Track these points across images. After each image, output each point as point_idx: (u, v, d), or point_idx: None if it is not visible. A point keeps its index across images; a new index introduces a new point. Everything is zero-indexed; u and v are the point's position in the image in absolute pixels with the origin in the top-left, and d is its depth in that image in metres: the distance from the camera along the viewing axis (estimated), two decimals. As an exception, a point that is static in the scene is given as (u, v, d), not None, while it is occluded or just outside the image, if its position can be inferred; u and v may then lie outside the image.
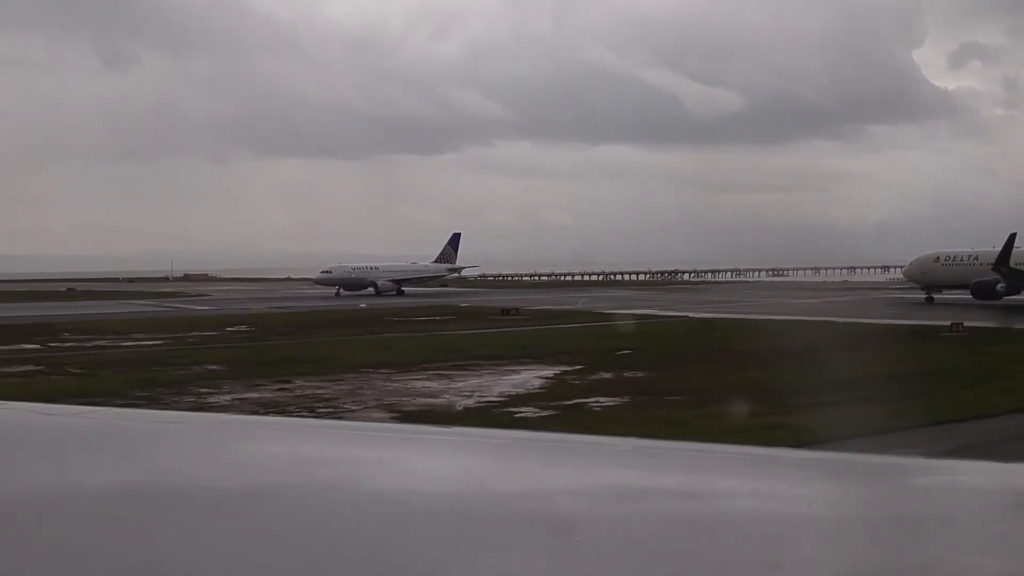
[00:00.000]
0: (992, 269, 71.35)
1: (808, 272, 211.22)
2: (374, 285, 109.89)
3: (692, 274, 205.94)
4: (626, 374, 40.46)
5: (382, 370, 41.46)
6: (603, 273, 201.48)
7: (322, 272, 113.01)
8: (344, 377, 39.05)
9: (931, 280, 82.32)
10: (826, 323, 61.62)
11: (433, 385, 37.11)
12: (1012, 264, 72.29)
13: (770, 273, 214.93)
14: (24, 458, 3.48)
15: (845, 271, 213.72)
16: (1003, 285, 72.93)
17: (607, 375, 40.16)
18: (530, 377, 39.42)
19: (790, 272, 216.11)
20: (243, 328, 65.79)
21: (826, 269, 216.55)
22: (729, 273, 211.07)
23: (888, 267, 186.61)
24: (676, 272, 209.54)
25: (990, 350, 44.61)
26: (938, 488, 2.84)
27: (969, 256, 78.26)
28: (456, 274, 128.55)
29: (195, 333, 61.58)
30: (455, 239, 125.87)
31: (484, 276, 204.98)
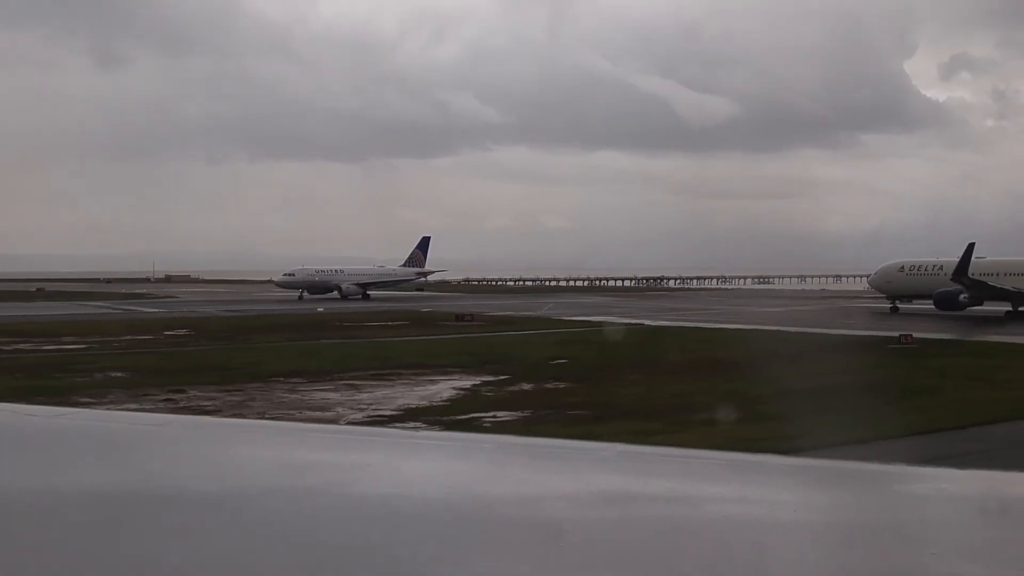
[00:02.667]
0: (951, 279, 69.50)
1: (794, 280, 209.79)
2: (338, 288, 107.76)
3: (678, 280, 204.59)
4: (547, 385, 38.89)
5: (292, 379, 39.76)
6: (589, 279, 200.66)
7: (284, 275, 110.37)
8: (245, 387, 37.28)
9: (895, 289, 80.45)
10: (776, 332, 59.94)
11: (333, 397, 35.37)
12: (974, 274, 70.54)
13: (755, 280, 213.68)
14: (2, 459, 3.44)
15: (831, 279, 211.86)
16: (966, 296, 71.04)
17: (527, 386, 38.55)
18: (444, 388, 37.72)
19: (775, 280, 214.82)
20: (181, 332, 64.05)
21: (812, 277, 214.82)
22: (715, 280, 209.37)
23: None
24: (662, 278, 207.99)
25: (931, 363, 42.87)
26: (922, 495, 2.84)
27: (934, 266, 76.27)
28: (424, 278, 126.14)
29: (127, 337, 59.71)
30: (424, 243, 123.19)
31: (468, 280, 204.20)
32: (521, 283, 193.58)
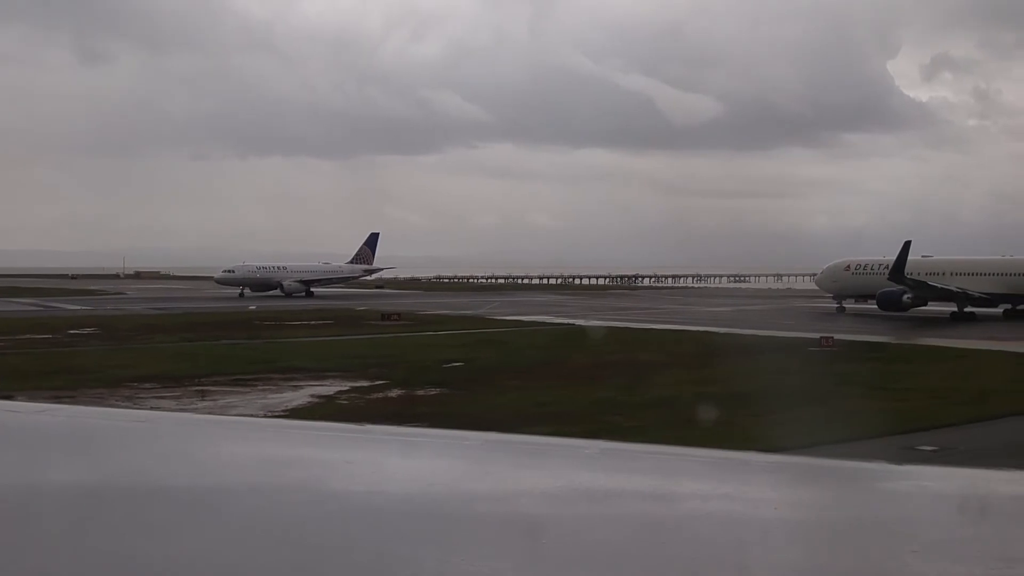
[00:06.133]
0: (888, 278, 66.56)
1: (771, 278, 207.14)
2: (280, 286, 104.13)
3: (652, 279, 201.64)
4: (418, 392, 36.34)
5: (146, 384, 37.20)
6: (563, 276, 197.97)
7: (224, 271, 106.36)
8: (84, 394, 34.52)
9: (841, 289, 77.51)
10: (702, 334, 57.33)
11: (169, 405, 32.65)
12: (919, 274, 67.91)
13: (731, 279, 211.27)
14: None
15: (809, 278, 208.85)
16: (909, 296, 68.22)
17: (395, 393, 36.05)
18: (300, 396, 35.09)
19: (751, 278, 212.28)
20: (85, 331, 61.25)
21: (789, 276, 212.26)
22: (691, 279, 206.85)
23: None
24: (636, 277, 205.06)
25: (839, 369, 40.16)
26: (902, 492, 2.85)
27: (880, 265, 72.95)
28: (369, 275, 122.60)
29: (22, 336, 56.85)
30: (373, 239, 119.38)
31: (440, 278, 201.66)
32: (493, 280, 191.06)
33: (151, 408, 32.21)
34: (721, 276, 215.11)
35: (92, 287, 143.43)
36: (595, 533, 2.45)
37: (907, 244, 64.08)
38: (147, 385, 37.03)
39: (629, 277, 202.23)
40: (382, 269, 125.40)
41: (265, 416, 24.82)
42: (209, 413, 26.83)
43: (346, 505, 2.73)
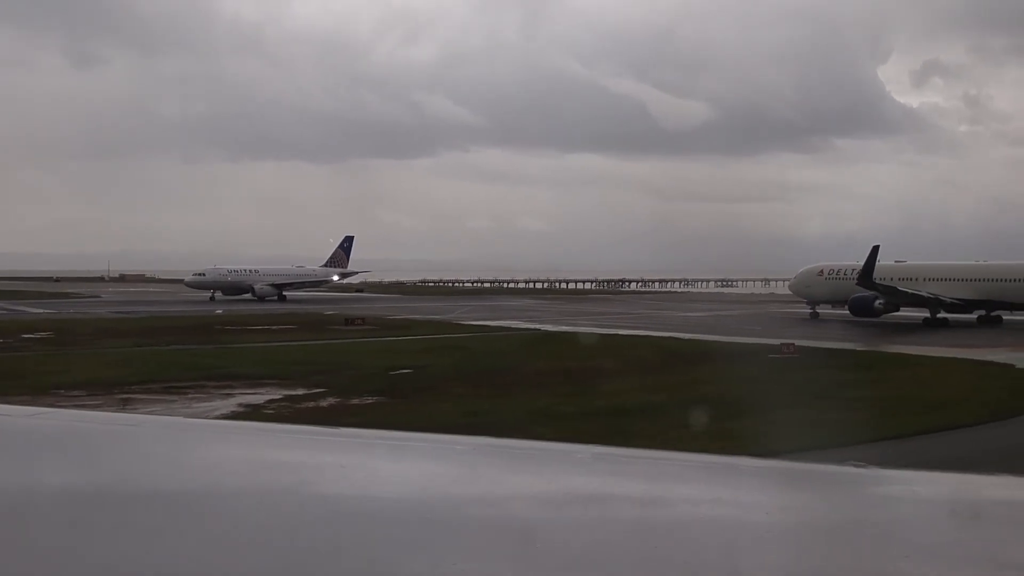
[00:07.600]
0: (856, 284, 65.36)
1: (758, 283, 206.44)
2: (252, 289, 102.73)
3: (639, 283, 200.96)
4: (353, 401, 35.20)
5: (75, 392, 35.82)
6: (549, 280, 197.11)
7: (194, 275, 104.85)
8: (7, 400, 33.14)
9: (815, 295, 76.25)
10: (668, 340, 56.20)
11: (87, 413, 31.35)
12: (890, 279, 66.80)
13: (718, 283, 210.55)
14: None
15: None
16: (881, 302, 67.03)
17: (328, 402, 34.91)
18: (227, 405, 33.90)
19: (739, 282, 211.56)
20: (38, 335, 59.92)
21: (775, 280, 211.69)
22: (678, 283, 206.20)
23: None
24: (623, 281, 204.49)
25: (792, 377, 38.90)
26: (895, 497, 2.83)
27: (852, 270, 71.52)
28: (343, 279, 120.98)
29: (-30, 341, 55.50)
30: (347, 242, 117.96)
31: (425, 281, 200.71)
32: (479, 284, 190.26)
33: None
34: (708, 280, 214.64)
35: (69, 290, 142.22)
36: (587, 537, 2.43)
37: (875, 249, 62.91)
38: (74, 392, 35.63)
39: (615, 281, 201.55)
40: (356, 272, 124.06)
41: (260, 420, 24.36)
42: (204, 417, 26.25)
43: (338, 510, 2.68)
